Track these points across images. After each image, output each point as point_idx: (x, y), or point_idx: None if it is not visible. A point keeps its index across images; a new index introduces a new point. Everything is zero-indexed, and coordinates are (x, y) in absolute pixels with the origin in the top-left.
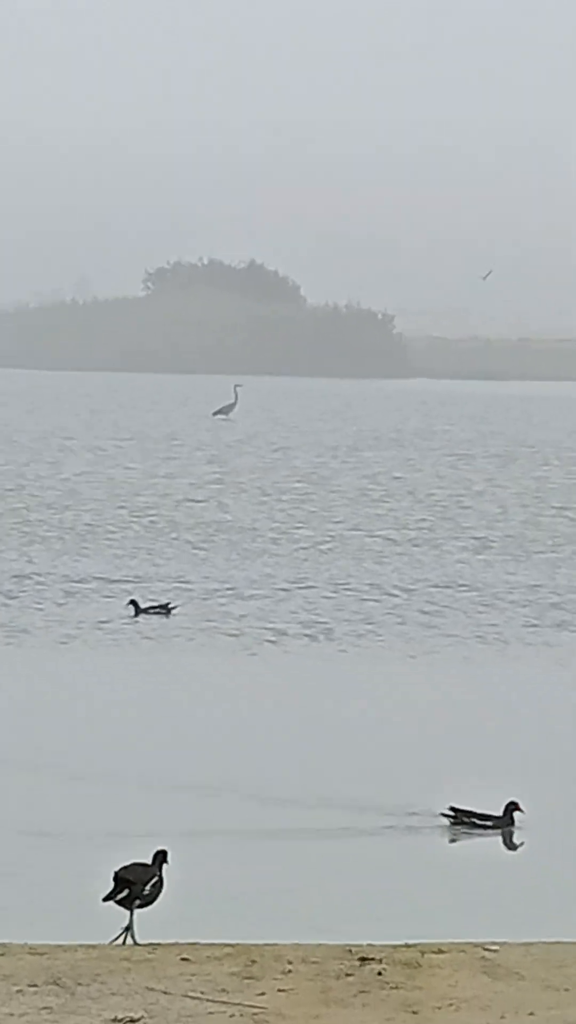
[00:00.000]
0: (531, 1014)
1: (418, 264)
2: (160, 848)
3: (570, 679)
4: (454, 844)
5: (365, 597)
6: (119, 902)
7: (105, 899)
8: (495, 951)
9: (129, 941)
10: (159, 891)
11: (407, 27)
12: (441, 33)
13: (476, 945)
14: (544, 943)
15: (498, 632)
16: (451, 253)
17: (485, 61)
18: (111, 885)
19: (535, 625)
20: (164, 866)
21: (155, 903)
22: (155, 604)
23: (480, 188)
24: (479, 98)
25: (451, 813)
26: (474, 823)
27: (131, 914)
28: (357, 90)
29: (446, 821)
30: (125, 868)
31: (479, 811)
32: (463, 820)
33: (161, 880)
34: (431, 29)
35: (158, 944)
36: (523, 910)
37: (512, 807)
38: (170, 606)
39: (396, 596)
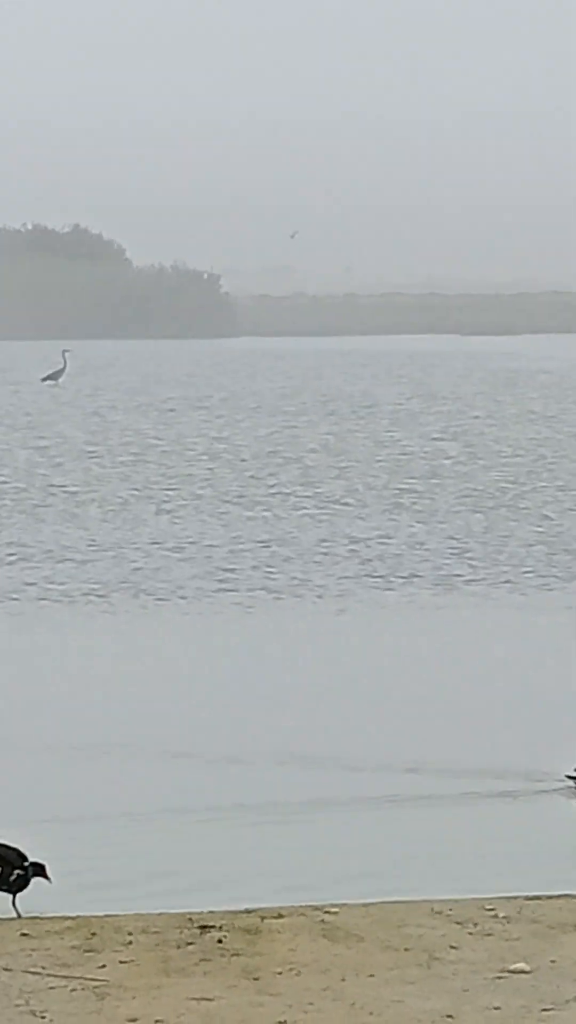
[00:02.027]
0: (371, 976)
1: (242, 223)
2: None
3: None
4: None
5: None
6: None
7: None
8: (334, 914)
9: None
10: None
11: None
12: None
13: (316, 908)
14: (384, 903)
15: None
16: (273, 210)
17: None
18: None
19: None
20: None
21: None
22: None
23: (298, 142)
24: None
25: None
26: None
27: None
28: (176, 51)
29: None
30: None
31: None
32: None
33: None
34: None
35: None
36: None
37: None
38: None
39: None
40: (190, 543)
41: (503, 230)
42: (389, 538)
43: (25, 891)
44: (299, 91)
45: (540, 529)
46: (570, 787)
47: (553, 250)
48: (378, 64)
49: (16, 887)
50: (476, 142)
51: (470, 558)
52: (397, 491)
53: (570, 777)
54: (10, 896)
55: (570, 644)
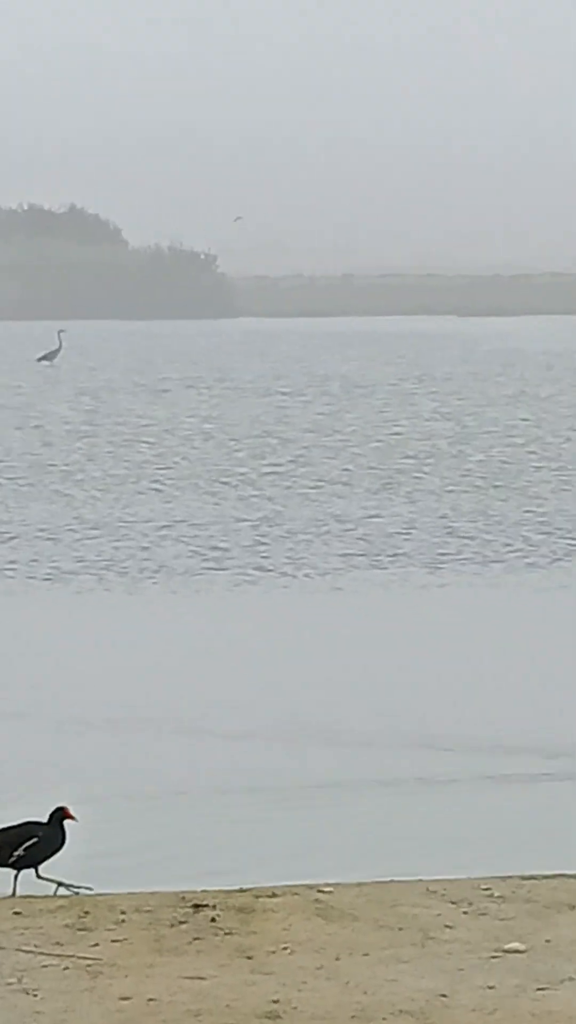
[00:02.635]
0: (365, 955)
1: (240, 202)
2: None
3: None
4: None
5: None
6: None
7: None
8: (329, 892)
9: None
10: (44, 851)
11: None
12: None
13: (310, 887)
14: (377, 882)
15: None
16: (271, 189)
17: None
18: None
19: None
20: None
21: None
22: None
23: (295, 121)
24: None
25: None
26: None
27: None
28: (174, 27)
29: None
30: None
31: None
32: None
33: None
34: None
35: None
36: None
37: None
38: None
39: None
40: (178, 522)
41: (501, 212)
42: (379, 517)
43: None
44: (296, 69)
45: (534, 510)
46: None
47: (551, 232)
48: (382, 46)
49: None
50: (474, 124)
51: (462, 537)
52: (391, 471)
53: None
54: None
55: (565, 625)
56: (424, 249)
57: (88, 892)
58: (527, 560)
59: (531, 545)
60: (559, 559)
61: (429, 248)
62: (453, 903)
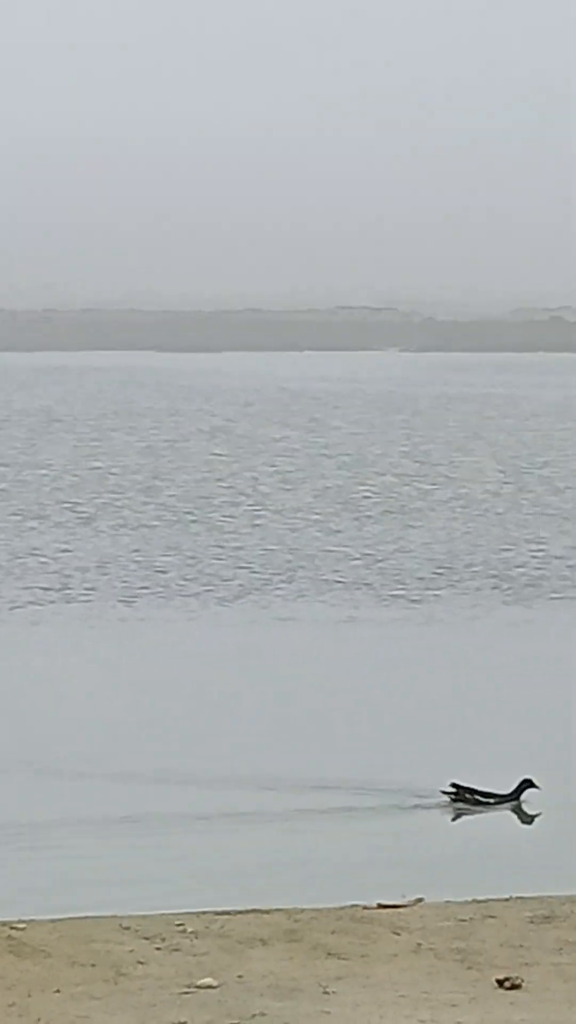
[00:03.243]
0: (57, 991)
1: None
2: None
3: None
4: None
5: None
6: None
7: None
8: (21, 929)
9: None
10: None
11: None
12: None
13: (3, 924)
14: (72, 919)
15: None
16: None
17: None
18: None
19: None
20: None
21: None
22: None
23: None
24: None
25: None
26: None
27: None
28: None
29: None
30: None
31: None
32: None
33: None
34: None
35: None
36: None
37: (525, 784)
38: None
39: None
40: None
41: (202, 247)
42: (76, 551)
43: None
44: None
45: (225, 545)
46: (444, 803)
47: (250, 267)
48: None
49: None
50: (163, 162)
51: (158, 571)
52: (88, 506)
53: (445, 793)
54: None
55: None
56: (127, 285)
57: None
58: (217, 595)
59: (223, 580)
60: (248, 593)
61: (132, 284)
62: (147, 939)
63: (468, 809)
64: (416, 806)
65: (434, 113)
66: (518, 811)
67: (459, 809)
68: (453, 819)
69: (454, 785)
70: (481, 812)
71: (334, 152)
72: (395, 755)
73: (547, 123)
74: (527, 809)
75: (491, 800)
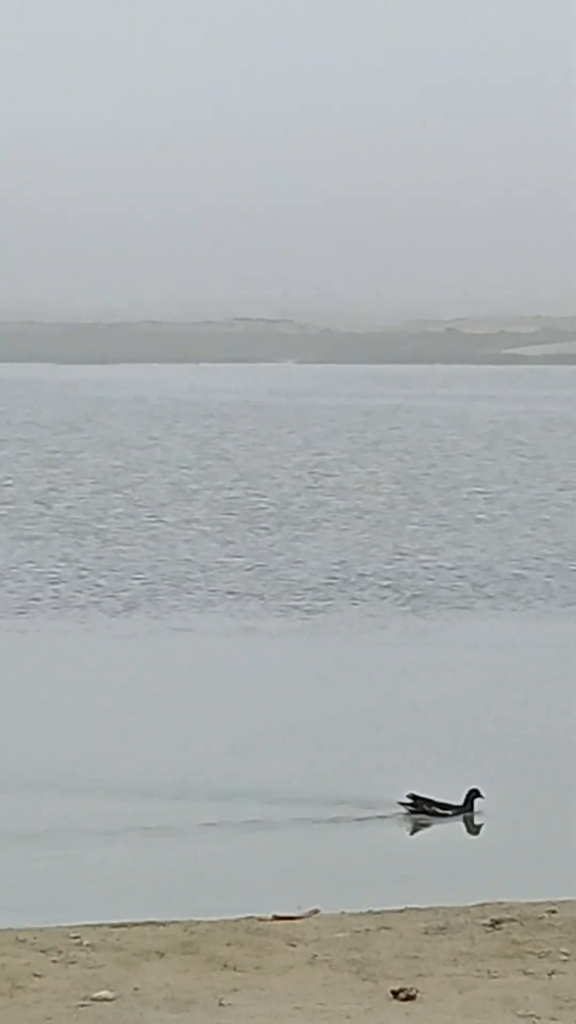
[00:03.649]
0: None
1: None
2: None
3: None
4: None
5: None
6: None
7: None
8: None
9: None
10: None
11: None
12: None
13: None
14: None
15: None
16: None
17: None
18: None
19: None
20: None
21: None
22: None
23: None
24: None
25: (409, 801)
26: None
27: None
28: None
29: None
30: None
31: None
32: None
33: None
34: None
35: None
36: None
37: (473, 794)
38: None
39: None
40: None
41: (102, 261)
42: None
43: None
44: None
45: (119, 557)
46: (402, 813)
47: (149, 281)
48: None
49: None
50: (67, 172)
51: (51, 582)
52: None
53: (402, 804)
54: None
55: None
56: (26, 296)
57: None
58: (111, 606)
59: (116, 591)
60: (141, 604)
61: (31, 295)
62: (43, 951)
63: (426, 820)
64: (366, 818)
65: (323, 124)
66: (467, 822)
67: (417, 820)
68: (411, 832)
69: (411, 796)
70: (440, 823)
71: (231, 163)
72: (302, 765)
73: (432, 134)
74: (475, 819)
75: (448, 812)
